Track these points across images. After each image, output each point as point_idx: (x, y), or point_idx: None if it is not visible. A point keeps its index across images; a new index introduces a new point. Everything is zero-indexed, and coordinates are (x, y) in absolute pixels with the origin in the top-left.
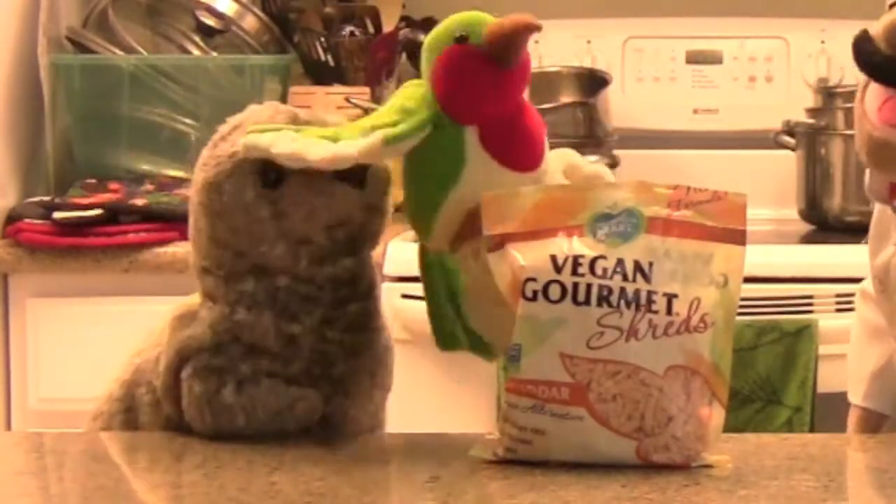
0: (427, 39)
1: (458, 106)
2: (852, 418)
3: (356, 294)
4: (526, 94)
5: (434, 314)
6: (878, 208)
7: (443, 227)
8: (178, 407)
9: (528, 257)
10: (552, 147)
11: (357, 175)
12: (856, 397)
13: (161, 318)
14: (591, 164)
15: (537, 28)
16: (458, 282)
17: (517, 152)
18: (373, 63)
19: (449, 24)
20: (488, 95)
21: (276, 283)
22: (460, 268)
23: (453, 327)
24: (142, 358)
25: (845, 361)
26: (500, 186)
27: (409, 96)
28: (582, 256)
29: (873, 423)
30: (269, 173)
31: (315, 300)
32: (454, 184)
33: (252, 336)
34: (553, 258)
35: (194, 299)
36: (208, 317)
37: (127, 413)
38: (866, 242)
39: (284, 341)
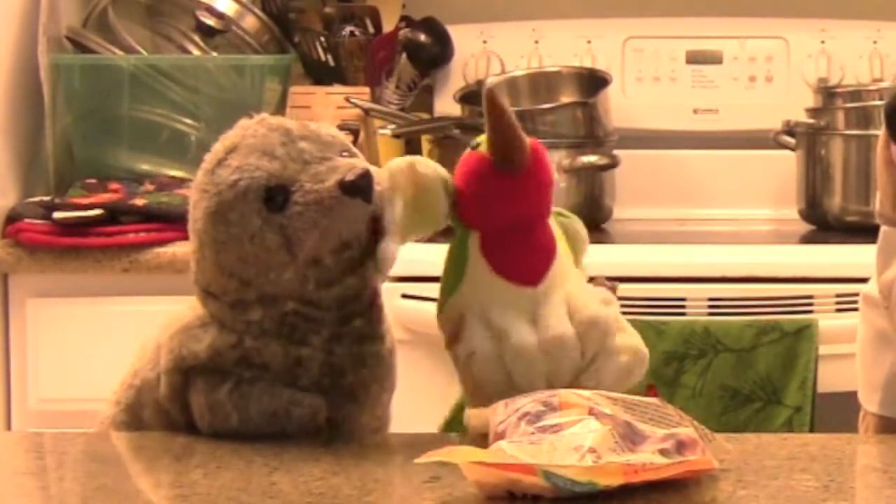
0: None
1: (465, 209)
2: (868, 426)
3: (360, 308)
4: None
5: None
6: (884, 229)
7: (444, 325)
8: (185, 412)
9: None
10: (550, 147)
11: (366, 188)
12: (871, 405)
13: (154, 331)
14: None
15: (508, 116)
16: None
17: (514, 264)
18: (373, 63)
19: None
20: (491, 202)
21: (284, 309)
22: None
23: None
24: (140, 379)
25: (846, 361)
26: (496, 296)
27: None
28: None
29: (891, 430)
30: (275, 197)
31: (321, 321)
32: (457, 285)
33: (259, 359)
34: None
35: (185, 312)
36: (215, 341)
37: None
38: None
39: (292, 362)
